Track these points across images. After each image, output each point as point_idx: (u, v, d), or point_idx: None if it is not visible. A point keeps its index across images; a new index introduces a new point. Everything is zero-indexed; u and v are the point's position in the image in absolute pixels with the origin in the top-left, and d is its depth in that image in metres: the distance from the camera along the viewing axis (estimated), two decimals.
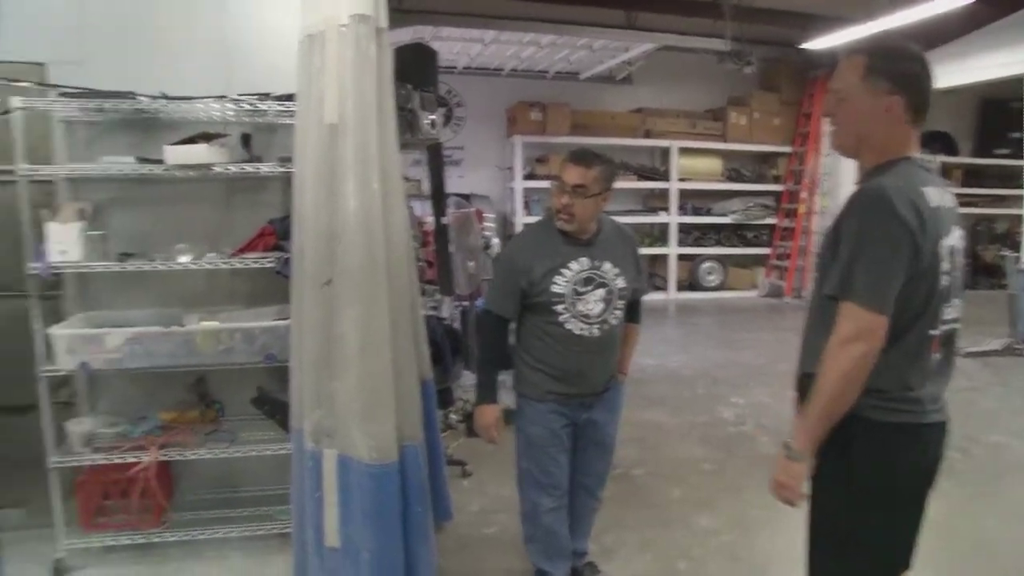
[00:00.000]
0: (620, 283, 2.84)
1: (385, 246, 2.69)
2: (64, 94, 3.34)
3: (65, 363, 3.31)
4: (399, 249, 2.85)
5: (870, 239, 1.81)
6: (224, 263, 3.39)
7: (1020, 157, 11.92)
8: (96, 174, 3.43)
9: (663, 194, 11.46)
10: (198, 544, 3.60)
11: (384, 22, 2.84)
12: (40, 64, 3.57)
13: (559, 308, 2.77)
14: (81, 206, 3.41)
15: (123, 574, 3.52)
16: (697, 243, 11.80)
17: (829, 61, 10.65)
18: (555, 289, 2.76)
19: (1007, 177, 12.20)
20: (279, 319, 3.44)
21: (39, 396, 3.39)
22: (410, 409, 2.85)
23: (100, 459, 3.46)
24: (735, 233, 11.98)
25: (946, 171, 11.92)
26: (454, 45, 9.36)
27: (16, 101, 3.19)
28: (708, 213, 11.73)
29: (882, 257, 1.79)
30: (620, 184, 10.98)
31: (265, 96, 3.43)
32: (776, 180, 11.84)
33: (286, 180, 3.42)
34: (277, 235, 3.51)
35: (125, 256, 3.44)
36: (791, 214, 11.57)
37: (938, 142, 11.95)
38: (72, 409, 3.70)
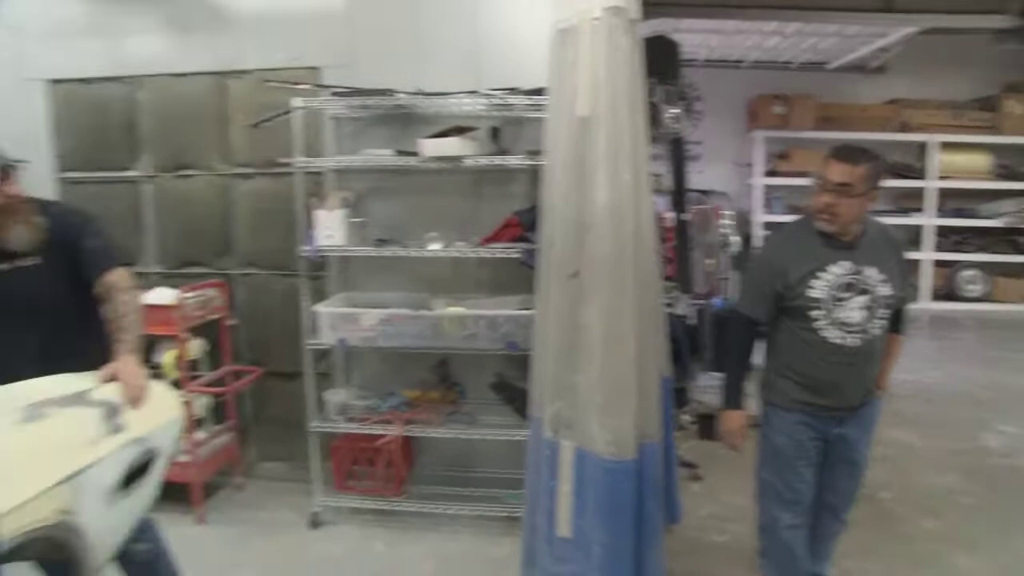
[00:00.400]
0: (885, 290, 2.58)
1: (633, 238, 2.66)
2: (335, 94, 3.63)
3: (327, 338, 3.61)
4: (646, 242, 2.81)
5: None
6: (472, 252, 3.52)
7: None
8: (359, 165, 3.70)
9: (917, 193, 10.42)
10: (434, 517, 3.79)
11: (636, 14, 2.81)
12: (315, 68, 3.94)
13: (816, 314, 2.57)
14: (345, 195, 3.69)
15: (367, 535, 3.79)
16: (957, 248, 10.61)
17: None
18: (812, 294, 2.55)
19: None
20: (522, 308, 3.52)
21: (304, 366, 3.73)
22: (651, 406, 2.80)
23: (353, 428, 3.74)
24: (1005, 238, 10.63)
25: None
26: (694, 37, 9.09)
27: (297, 101, 3.53)
28: (972, 215, 10.51)
29: None
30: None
31: (514, 90, 3.50)
32: None
33: (532, 172, 3.51)
34: (522, 226, 3.59)
35: (382, 242, 3.69)
36: None
37: None
38: (329, 380, 4.04)
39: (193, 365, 3.96)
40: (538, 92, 3.28)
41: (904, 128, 10.21)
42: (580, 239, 2.66)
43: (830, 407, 2.65)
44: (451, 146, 3.40)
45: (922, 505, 4.24)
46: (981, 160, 10.35)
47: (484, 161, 3.48)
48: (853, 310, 2.53)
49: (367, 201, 3.90)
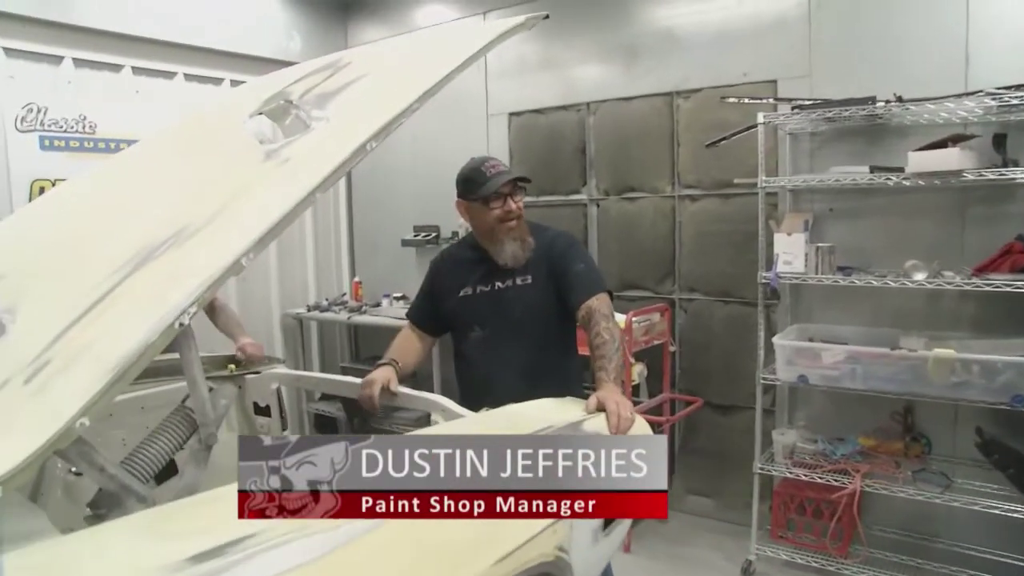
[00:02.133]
0: None
1: None
2: (799, 107, 3.33)
3: (783, 373, 3.32)
4: None
5: None
6: (966, 284, 2.97)
7: None
8: (820, 185, 3.36)
9: None
10: None
11: None
12: (771, 82, 3.69)
13: None
14: (805, 216, 3.38)
15: None
16: None
17: None
18: None
19: None
20: None
21: (750, 400, 3.50)
22: None
23: (802, 474, 3.39)
24: None
25: None
26: None
27: (760, 116, 3.30)
28: None
29: None
30: None
31: None
32: None
33: None
34: None
35: (846, 270, 3.30)
36: None
37: None
38: (771, 417, 3.74)
39: (634, 391, 3.93)
40: None
41: None
42: None
43: None
44: (949, 158, 2.89)
45: None
46: None
47: (991, 175, 2.91)
48: None
49: (825, 224, 3.54)
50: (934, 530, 3.46)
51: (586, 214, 4.45)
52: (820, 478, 3.35)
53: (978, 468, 3.25)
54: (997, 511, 2.99)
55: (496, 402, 2.14)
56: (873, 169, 3.18)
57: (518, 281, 2.44)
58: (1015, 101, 2.89)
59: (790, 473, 3.44)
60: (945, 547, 3.41)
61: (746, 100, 3.45)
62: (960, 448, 3.34)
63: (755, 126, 3.35)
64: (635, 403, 3.88)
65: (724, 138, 3.54)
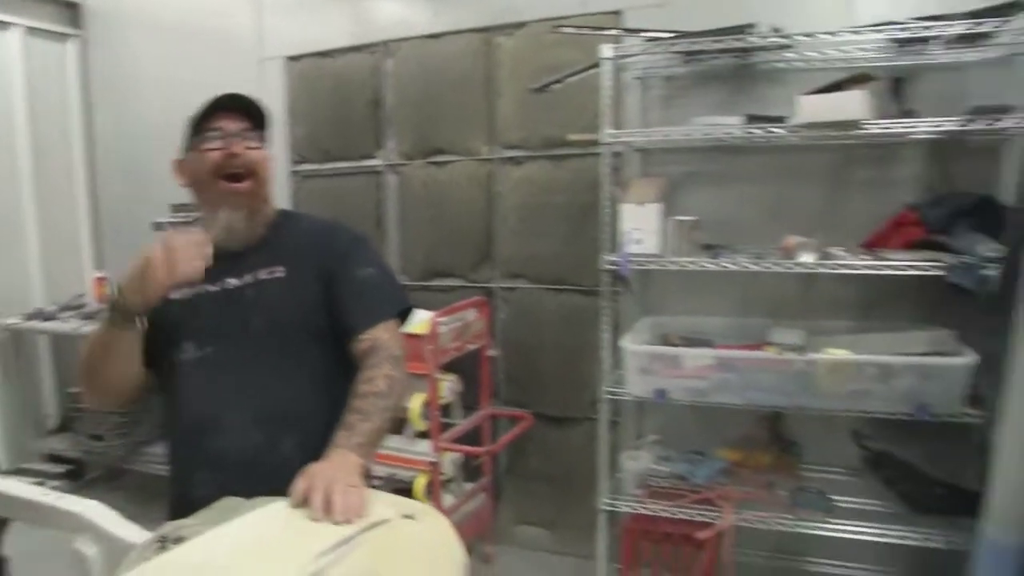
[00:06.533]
0: None
1: None
2: (653, 39, 2.58)
3: (636, 387, 2.58)
4: None
5: None
6: (869, 265, 2.34)
7: None
8: (676, 141, 2.65)
9: None
10: None
11: None
12: (616, 12, 2.93)
13: None
14: (660, 183, 2.65)
15: None
16: None
17: None
18: None
19: None
20: (932, 352, 2.33)
21: (590, 410, 2.84)
22: None
23: (661, 510, 2.69)
24: None
25: None
26: None
27: (606, 51, 2.51)
28: None
29: None
30: None
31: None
32: None
33: (933, 148, 2.50)
34: (927, 226, 2.40)
35: (712, 249, 2.61)
36: None
37: None
38: (616, 431, 3.02)
39: (444, 410, 3.07)
40: (1005, 9, 2.10)
41: None
42: None
43: None
44: (851, 104, 2.23)
45: None
46: None
47: (896, 128, 2.30)
48: None
49: (685, 192, 2.84)
50: (807, 549, 2.92)
51: (381, 183, 3.52)
52: (682, 513, 2.67)
53: (854, 477, 2.76)
54: (892, 538, 2.45)
55: (217, 480, 1.37)
56: (751, 119, 2.49)
57: (262, 275, 1.57)
58: (930, 35, 2.31)
59: (644, 509, 2.73)
60: (819, 569, 2.91)
61: (586, 31, 2.65)
62: (833, 455, 2.81)
63: (597, 65, 2.56)
64: (446, 425, 3.05)
65: (556, 80, 2.75)
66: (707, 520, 2.63)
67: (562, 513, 3.33)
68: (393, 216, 3.51)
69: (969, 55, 2.47)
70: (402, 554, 1.08)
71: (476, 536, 3.27)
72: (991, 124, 2.24)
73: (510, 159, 3.26)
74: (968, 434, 2.32)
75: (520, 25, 3.17)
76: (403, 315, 1.63)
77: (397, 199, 3.50)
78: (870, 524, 2.51)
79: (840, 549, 2.81)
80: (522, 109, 3.19)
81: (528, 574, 3.27)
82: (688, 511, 2.66)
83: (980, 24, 2.25)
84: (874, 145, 2.56)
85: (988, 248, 2.19)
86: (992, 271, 2.14)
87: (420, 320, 2.80)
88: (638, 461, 2.82)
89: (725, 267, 2.46)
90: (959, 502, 2.27)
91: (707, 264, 2.49)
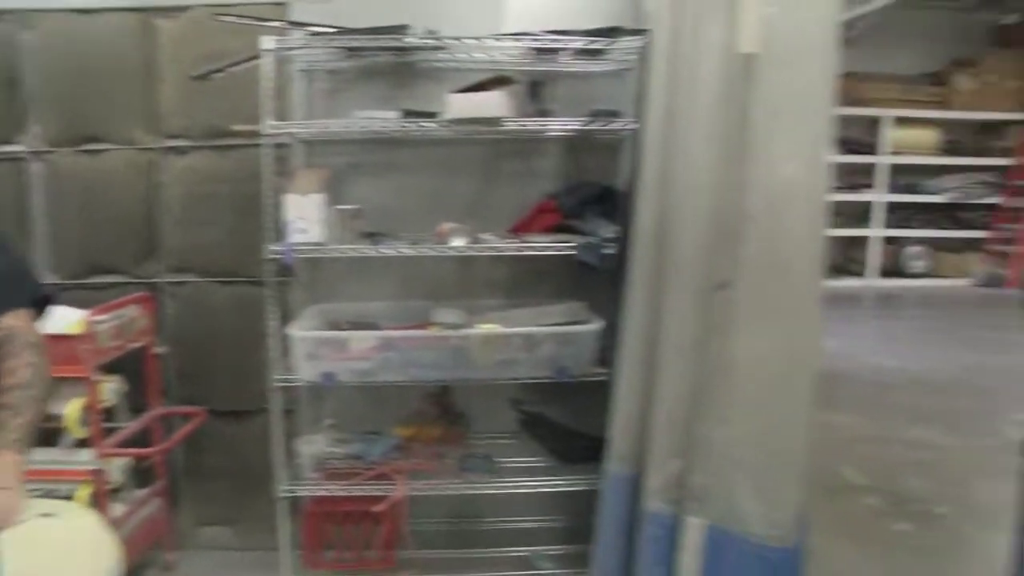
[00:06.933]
0: None
1: (821, 236, 1.88)
2: (317, 33, 2.65)
3: (305, 372, 2.65)
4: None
5: None
6: (513, 247, 2.63)
7: None
8: (338, 134, 2.75)
9: (867, 169, 10.12)
10: None
11: None
12: (282, 3, 2.94)
13: None
14: (323, 174, 2.73)
15: None
16: (902, 224, 10.40)
17: None
18: None
19: None
20: (568, 321, 2.69)
21: (263, 404, 2.86)
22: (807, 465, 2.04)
23: (337, 490, 2.80)
24: (946, 214, 10.49)
25: None
26: None
27: (268, 42, 2.53)
28: (917, 191, 10.30)
29: None
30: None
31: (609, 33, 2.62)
32: (1005, 153, 10.24)
33: (568, 144, 2.86)
34: (562, 211, 2.76)
35: (374, 236, 2.75)
36: (1020, 192, 9.99)
37: None
38: (293, 419, 3.05)
39: (108, 414, 2.90)
40: (611, 33, 2.47)
41: (858, 103, 9.85)
42: (733, 234, 1.87)
43: None
44: (490, 103, 2.48)
45: (991, 522, 3.63)
46: (929, 136, 10.16)
47: (532, 125, 2.60)
48: None
49: (348, 183, 2.94)
50: (480, 510, 3.18)
51: (23, 172, 3.19)
52: (359, 489, 2.80)
53: (516, 440, 3.08)
54: (549, 489, 2.83)
55: None
56: (407, 114, 2.66)
57: None
58: (558, 47, 2.67)
59: (323, 491, 2.82)
60: (493, 526, 3.18)
61: (248, 21, 2.65)
62: (497, 423, 3.11)
63: (259, 56, 2.57)
64: (111, 430, 2.89)
65: (218, 69, 2.71)
66: (382, 494, 2.79)
67: (244, 509, 3.29)
68: (40, 208, 3.20)
69: (593, 66, 2.86)
70: (41, 552, 1.08)
71: (154, 544, 3.13)
72: (604, 126, 2.64)
73: (173, 148, 3.13)
74: (603, 390, 2.65)
75: (183, 9, 3.04)
76: (39, 306, 1.56)
77: (44, 190, 3.19)
78: (529, 479, 2.84)
79: (507, 506, 3.12)
80: (185, 97, 3.06)
81: (214, 573, 3.22)
82: (364, 488, 2.80)
83: (594, 42, 2.64)
84: (518, 140, 2.86)
85: (608, 230, 2.57)
86: (611, 250, 2.52)
87: (72, 319, 2.63)
88: (314, 445, 2.90)
89: (384, 253, 2.62)
90: (599, 450, 2.60)
91: (368, 251, 2.63)
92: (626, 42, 2.58)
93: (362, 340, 2.64)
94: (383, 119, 2.61)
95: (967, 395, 5.72)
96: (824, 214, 1.89)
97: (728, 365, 1.91)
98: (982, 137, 10.51)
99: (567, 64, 2.86)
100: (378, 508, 2.79)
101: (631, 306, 2.24)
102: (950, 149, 10.27)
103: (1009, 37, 9.92)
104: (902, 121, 9.91)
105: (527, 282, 2.99)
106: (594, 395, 2.66)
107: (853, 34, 9.62)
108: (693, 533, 1.98)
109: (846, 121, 10.13)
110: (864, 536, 3.37)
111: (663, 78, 2.07)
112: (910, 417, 5.10)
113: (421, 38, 2.63)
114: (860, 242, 10.26)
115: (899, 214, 10.39)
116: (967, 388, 5.87)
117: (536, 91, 2.80)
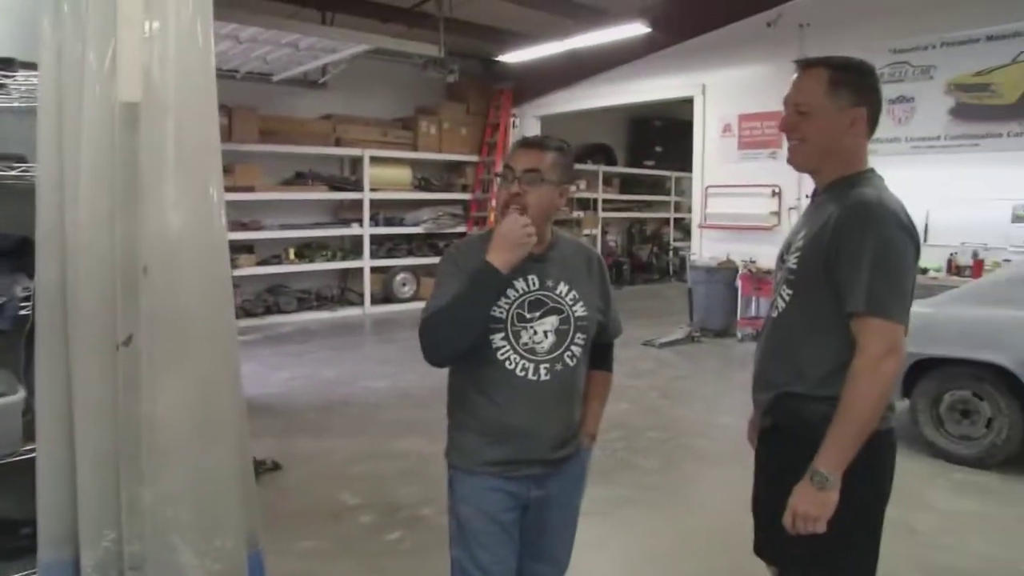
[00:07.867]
0: (579, 311, 2.16)
1: (224, 281, 1.97)
2: None
3: None
4: (228, 285, 2.10)
5: (885, 251, 1.76)
6: None
7: (663, 168, 13.62)
8: None
9: (355, 205, 10.95)
10: None
11: None
12: None
13: (497, 338, 2.06)
14: None
15: None
16: (390, 254, 11.47)
17: (515, 74, 11.11)
18: (494, 312, 2.04)
19: (654, 185, 13.86)
20: None
21: None
22: (254, 505, 2.14)
23: None
24: (426, 243, 11.88)
25: (606, 179, 13.22)
26: None
27: None
28: (400, 223, 11.47)
29: (899, 268, 1.77)
30: (312, 195, 10.30)
31: None
32: (464, 189, 11.98)
33: None
34: None
35: None
36: (480, 222, 11.77)
37: (600, 153, 13.06)
38: None
39: None
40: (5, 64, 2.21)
41: (340, 143, 10.59)
42: (133, 287, 1.84)
43: (525, 461, 2.12)
44: None
45: None
46: (404, 173, 11.38)
47: None
48: (541, 333, 2.10)
49: None
50: None
51: None
52: None
53: None
54: None
55: None
56: None
57: None
58: None
59: None
60: None
61: None
62: None
63: None
64: None
65: None
66: None
67: None
68: None
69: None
70: None
71: None
72: (7, 171, 2.22)
73: None
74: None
75: None
76: None
77: None
78: None
79: None
80: None
81: None
82: None
83: None
84: None
85: (24, 287, 2.24)
86: (28, 309, 2.16)
87: None
88: None
89: None
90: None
91: None
92: (23, 77, 2.24)
93: None
94: None
95: (443, 404, 6.49)
96: (224, 257, 1.98)
97: (147, 422, 1.87)
98: (447, 175, 12.14)
99: None
100: None
101: (40, 369, 2.01)
102: (422, 185, 11.66)
103: (457, 92, 11.65)
104: (380, 160, 10.96)
105: None
106: (28, 474, 2.23)
107: (326, 79, 10.38)
108: None
109: (329, 160, 10.87)
110: (360, 552, 3.61)
111: (52, 120, 1.92)
112: (398, 431, 5.62)
113: None
114: (356, 273, 11.03)
115: (386, 245, 11.44)
116: (443, 398, 6.67)
117: None
